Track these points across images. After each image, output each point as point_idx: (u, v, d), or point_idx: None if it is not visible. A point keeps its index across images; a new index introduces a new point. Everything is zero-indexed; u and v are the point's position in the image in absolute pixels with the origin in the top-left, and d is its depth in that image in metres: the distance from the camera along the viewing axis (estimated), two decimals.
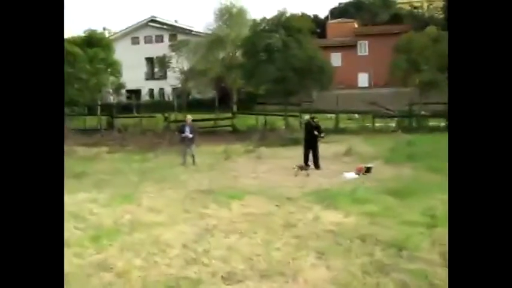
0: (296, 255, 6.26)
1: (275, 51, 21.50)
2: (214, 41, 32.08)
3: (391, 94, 29.16)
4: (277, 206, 8.99)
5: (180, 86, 30.98)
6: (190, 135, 14.21)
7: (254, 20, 22.98)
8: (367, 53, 44.45)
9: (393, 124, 23.71)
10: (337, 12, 57.03)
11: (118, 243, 6.88)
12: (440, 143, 17.03)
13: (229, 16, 34.14)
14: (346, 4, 59.24)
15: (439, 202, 8.70)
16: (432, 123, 23.17)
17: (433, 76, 20.32)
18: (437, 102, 22.91)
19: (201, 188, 10.81)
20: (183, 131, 14.32)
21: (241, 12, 33.33)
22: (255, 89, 26.57)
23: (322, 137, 13.61)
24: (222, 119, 26.40)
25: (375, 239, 6.82)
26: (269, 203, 9.15)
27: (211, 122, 25.57)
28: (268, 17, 22.48)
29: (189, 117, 14.69)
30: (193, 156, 14.34)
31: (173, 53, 29.59)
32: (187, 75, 28.60)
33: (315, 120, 13.62)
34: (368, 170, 12.05)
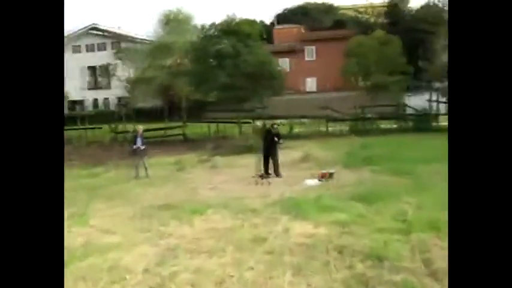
0: (272, 274, 5.76)
1: (225, 57, 21.00)
2: (160, 48, 31.13)
3: (339, 98, 29.35)
4: (241, 219, 8.46)
5: (126, 95, 29.78)
6: (143, 147, 13.41)
7: (203, 26, 22.42)
8: (314, 58, 44.83)
9: (346, 128, 23.82)
10: (282, 18, 57.41)
11: (70, 270, 6.11)
12: (394, 145, 17.24)
13: (175, 22, 33.35)
14: (291, 10, 59.77)
15: (408, 206, 8.53)
16: (383, 125, 23.52)
17: (382, 79, 20.55)
18: (387, 105, 23.33)
19: (157, 202, 10.10)
20: (134, 143, 13.49)
21: (187, 19, 32.61)
22: (205, 96, 25.91)
23: (281, 144, 13.22)
24: (173, 128, 25.55)
25: (351, 250, 6.45)
26: (233, 216, 8.61)
27: (161, 132, 24.65)
28: (217, 22, 21.90)
29: (140, 127, 13.90)
30: (146, 169, 13.54)
31: (117, 61, 28.38)
32: (133, 84, 27.46)
33: (275, 127, 13.19)
34: (330, 175, 11.77)
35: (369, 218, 7.94)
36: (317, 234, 7.23)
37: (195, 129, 26.68)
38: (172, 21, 34.08)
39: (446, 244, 6.51)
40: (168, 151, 19.84)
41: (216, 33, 21.65)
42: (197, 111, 33.36)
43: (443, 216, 7.62)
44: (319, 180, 11.55)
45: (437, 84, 36.23)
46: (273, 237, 7.21)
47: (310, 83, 44.58)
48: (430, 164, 12.96)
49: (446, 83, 25.12)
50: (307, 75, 43.93)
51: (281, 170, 13.21)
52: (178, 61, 32.40)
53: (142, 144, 13.39)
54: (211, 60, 22.23)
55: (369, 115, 24.16)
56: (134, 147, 13.41)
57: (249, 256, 6.44)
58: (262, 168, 12.79)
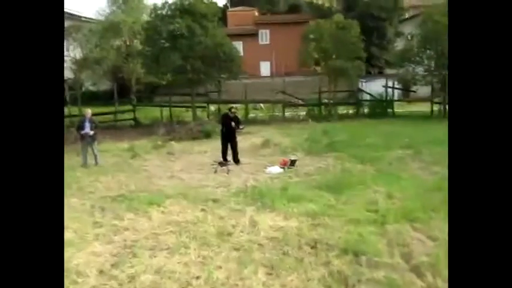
0: (243, 274, 5.23)
1: (179, 37, 19.97)
2: (109, 28, 29.52)
3: (294, 83, 29.03)
4: (203, 210, 7.85)
5: (72, 77, 28.00)
6: (91, 132, 12.39)
7: (155, 5, 21.16)
8: (268, 42, 44.34)
9: (302, 113, 23.51)
10: (236, 1, 56.38)
11: None
12: (353, 131, 17.06)
13: (125, 1, 31.76)
14: None
15: (378, 195, 8.22)
16: (340, 111, 23.38)
17: (341, 63, 20.28)
18: (346, 90, 23.19)
19: (110, 193, 9.28)
20: (82, 128, 12.43)
21: None
22: (157, 79, 24.75)
23: (241, 129, 12.61)
24: (122, 112, 24.29)
25: (325, 245, 6.03)
26: (194, 208, 7.98)
27: (111, 116, 23.38)
28: (170, 1, 20.70)
29: (89, 111, 12.81)
30: (95, 156, 12.55)
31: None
32: (80, 65, 25.81)
33: (232, 111, 12.51)
34: (293, 163, 11.33)
35: (340, 208, 7.55)
36: (287, 227, 6.75)
37: (147, 113, 25.56)
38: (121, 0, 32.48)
39: (423, 236, 6.24)
40: (119, 136, 18.75)
41: (169, 12, 20.49)
42: (149, 94, 32.10)
43: (415, 205, 7.38)
44: (281, 168, 11.08)
45: (388, 71, 36.81)
46: (240, 231, 6.66)
47: (264, 67, 44.11)
48: (391, 150, 12.82)
49: (399, 70, 25.31)
50: (261, 59, 43.41)
51: (240, 157, 12.67)
52: (128, 42, 30.92)
53: (91, 129, 12.35)
54: (163, 41, 21.10)
55: (325, 100, 23.94)
56: (82, 132, 12.35)
57: (215, 253, 5.87)
58: (221, 155, 12.16)
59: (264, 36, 44.91)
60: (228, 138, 12.27)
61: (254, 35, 44.37)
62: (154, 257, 5.83)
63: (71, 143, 16.48)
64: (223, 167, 11.28)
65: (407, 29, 35.80)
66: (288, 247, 5.97)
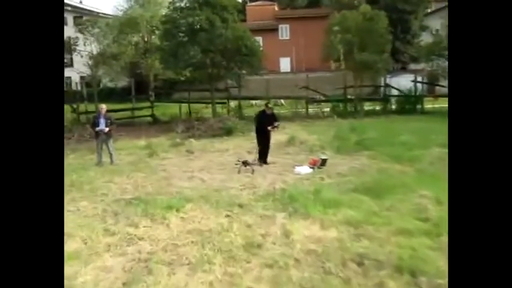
0: None
1: (199, 30, 19.15)
2: (126, 23, 28.92)
3: (316, 78, 27.99)
4: (228, 216, 6.97)
5: (89, 73, 27.49)
6: (106, 129, 11.61)
7: None
8: (288, 37, 43.33)
9: (326, 109, 22.47)
10: None
11: None
12: (383, 128, 16.00)
13: None
14: None
15: (425, 200, 7.21)
16: (366, 107, 22.26)
17: (369, 57, 19.16)
18: (374, 85, 22.09)
19: (124, 196, 8.48)
20: (97, 124, 11.67)
21: None
22: (175, 74, 24.01)
23: (277, 127, 11.59)
24: (140, 109, 23.59)
25: (374, 261, 5.08)
26: (217, 213, 7.11)
27: (128, 113, 22.71)
28: None
29: (103, 106, 12.04)
30: (110, 155, 11.79)
31: (79, 36, 26.06)
32: (97, 61, 25.22)
33: (269, 106, 11.58)
34: (323, 162, 10.38)
35: (384, 215, 6.59)
36: (326, 238, 5.82)
37: (165, 109, 24.84)
38: None
39: None
40: (136, 133, 18.02)
41: (188, 4, 19.67)
42: (167, 90, 31.45)
43: None
44: (311, 168, 10.14)
45: (412, 66, 35.46)
46: (271, 243, 5.77)
47: (284, 63, 43.09)
48: (429, 148, 11.76)
49: (428, 64, 24.09)
50: (281, 54, 42.37)
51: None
52: (146, 38, 30.29)
53: (107, 125, 11.57)
54: (182, 35, 20.29)
55: (350, 96, 22.80)
56: (96, 129, 11.59)
57: (244, 270, 5.00)
58: (257, 155, 11.18)
59: (284, 32, 43.91)
60: (264, 137, 11.28)
61: (274, 30, 43.37)
62: (173, 274, 4.98)
63: (85, 140, 15.85)
64: (248, 167, 10.39)
65: (433, 23, 34.42)
66: (329, 263, 5.05)
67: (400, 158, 10.65)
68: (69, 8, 40.61)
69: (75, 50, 25.24)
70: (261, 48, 21.31)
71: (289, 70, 42.06)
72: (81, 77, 33.96)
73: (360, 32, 19.70)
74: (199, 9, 18.99)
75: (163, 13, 23.66)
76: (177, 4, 20.13)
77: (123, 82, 34.63)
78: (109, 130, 11.67)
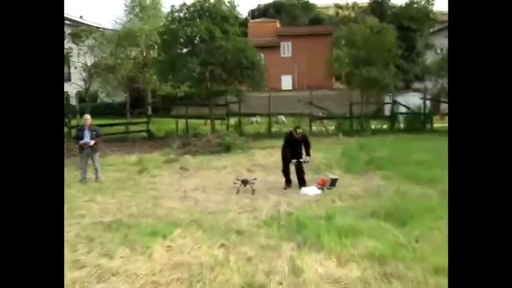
0: None
1: (198, 42, 18.21)
2: (124, 36, 27.97)
3: (319, 96, 27.00)
4: (224, 246, 5.78)
5: (84, 88, 26.44)
6: (92, 142, 10.47)
7: (172, 6, 19.36)
8: (290, 55, 42.54)
9: (331, 127, 21.35)
10: (256, 14, 55.05)
11: None
12: (395, 146, 14.85)
13: (142, 8, 30.40)
14: (266, 6, 57.40)
15: None
16: (373, 125, 21.10)
17: (377, 72, 18.12)
18: (380, 102, 21.07)
19: (105, 218, 7.30)
20: (81, 137, 10.53)
21: (154, 4, 29.71)
22: (173, 88, 23.00)
23: (307, 162, 10.00)
24: (136, 124, 22.48)
25: None
26: (211, 242, 5.92)
27: (123, 128, 21.62)
28: (189, 2, 18.92)
29: (87, 117, 10.90)
30: (96, 170, 10.63)
31: (73, 46, 25.16)
32: (92, 73, 24.17)
33: (298, 131, 9.82)
34: (333, 182, 9.23)
35: (414, 248, 5.39)
36: (346, 278, 4.62)
37: (161, 125, 23.75)
38: (138, 8, 31.19)
39: None
40: (129, 149, 16.88)
41: (187, 15, 18.74)
42: (165, 105, 30.45)
43: None
44: (320, 189, 8.98)
45: (416, 85, 34.53)
46: (277, 283, 4.57)
47: (286, 81, 42.17)
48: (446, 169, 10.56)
49: (435, 82, 23.12)
50: (283, 72, 41.47)
51: (264, 174, 10.66)
52: (144, 53, 29.40)
53: (92, 138, 10.43)
54: (180, 46, 19.34)
55: (356, 114, 21.67)
56: (80, 142, 10.44)
57: None
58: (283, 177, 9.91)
59: (286, 49, 43.13)
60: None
61: (276, 47, 42.57)
62: None
63: (73, 155, 14.69)
64: (247, 186, 9.22)
65: (437, 41, 33.64)
66: None
67: (418, 178, 9.48)
68: (68, 22, 39.84)
69: (67, 60, 24.27)
70: (263, 62, 20.17)
71: (290, 88, 41.15)
72: (77, 92, 32.97)
73: (367, 46, 18.72)
74: (199, 19, 18.04)
75: (162, 24, 22.75)
76: (176, 14, 19.17)
77: (120, 97, 33.63)
78: (95, 143, 10.53)
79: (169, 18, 19.67)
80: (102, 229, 6.59)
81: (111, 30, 32.58)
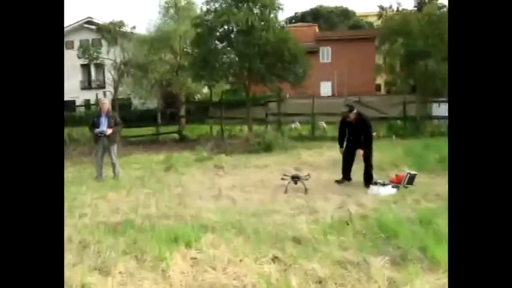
0: None
1: (236, 32, 16.45)
2: (158, 38, 26.69)
3: (364, 102, 24.76)
4: (277, 260, 3.81)
5: (113, 87, 25.16)
6: (109, 131, 8.70)
7: None
8: (329, 60, 40.45)
9: (381, 130, 18.98)
10: (293, 22, 53.40)
11: None
12: None
13: (176, 10, 29.08)
14: (303, 13, 55.76)
15: None
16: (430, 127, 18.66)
17: (435, 66, 15.79)
18: (438, 100, 18.68)
19: (112, 218, 5.44)
20: (96, 125, 8.77)
21: (189, 5, 28.29)
22: (208, 88, 21.35)
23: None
24: (166, 133, 20.82)
25: None
26: (258, 254, 3.95)
27: (153, 129, 20.08)
28: None
29: (105, 101, 9.19)
30: (113, 165, 8.85)
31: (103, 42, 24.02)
32: (123, 71, 22.81)
33: (351, 112, 7.74)
34: (411, 179, 7.13)
35: None
36: None
37: (195, 130, 22.03)
38: (173, 10, 29.94)
39: None
40: (156, 149, 15.14)
41: (224, 5, 17.03)
42: (199, 112, 29.01)
43: None
44: (394, 187, 6.88)
45: None
46: None
47: (325, 87, 40.00)
48: None
49: None
50: (322, 78, 39.33)
51: (317, 173, 8.64)
52: (179, 57, 28.06)
53: (109, 126, 8.67)
54: (216, 41, 17.62)
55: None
56: (96, 131, 8.69)
57: None
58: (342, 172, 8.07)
59: (326, 54, 41.03)
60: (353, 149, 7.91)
61: (314, 52, 40.48)
62: None
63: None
64: (298, 184, 7.24)
65: None
66: None
67: None
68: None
69: (97, 58, 23.07)
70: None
71: (330, 94, 39.00)
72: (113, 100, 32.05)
73: (425, 37, 16.42)
74: (236, 7, 16.27)
75: (196, 15, 21.04)
76: (212, 4, 17.47)
77: (154, 103, 32.44)
78: (112, 133, 8.76)
79: (204, 10, 18.01)
80: (105, 232, 4.72)
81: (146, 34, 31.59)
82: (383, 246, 4.04)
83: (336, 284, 3.29)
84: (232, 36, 17.24)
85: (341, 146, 8.23)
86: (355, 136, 7.83)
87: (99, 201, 6.52)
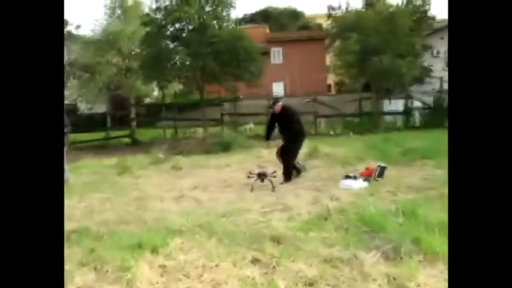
0: None
1: (188, 30, 15.89)
2: (105, 40, 25.60)
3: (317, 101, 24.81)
4: (257, 261, 3.40)
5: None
6: None
7: None
8: (281, 61, 40.45)
9: (337, 128, 18.95)
10: (242, 24, 53.14)
11: None
12: (421, 140, 12.53)
13: (122, 10, 28.07)
14: (252, 15, 55.63)
15: None
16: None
17: (390, 61, 15.87)
18: (391, 97, 18.89)
19: (65, 226, 4.82)
20: None
21: (137, 4, 27.37)
22: (160, 88, 20.61)
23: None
24: (117, 138, 19.90)
25: None
26: (235, 256, 3.52)
27: (103, 134, 19.13)
28: None
29: None
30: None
31: None
32: (68, 72, 21.64)
33: (275, 104, 7.91)
34: (381, 172, 6.91)
35: None
36: None
37: (147, 134, 21.20)
38: (119, 9, 28.89)
39: None
40: (108, 153, 14.31)
41: (174, 2, 16.42)
42: (150, 117, 28.12)
43: None
44: (365, 180, 6.63)
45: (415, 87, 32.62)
46: None
47: (277, 88, 39.92)
48: None
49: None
50: (274, 79, 39.23)
51: (280, 171, 8.29)
52: (127, 59, 27.06)
53: None
54: (167, 40, 16.98)
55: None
56: None
57: None
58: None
59: (277, 55, 40.99)
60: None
61: (265, 53, 40.37)
62: None
63: None
64: (265, 181, 6.86)
65: (434, 43, 31.88)
66: None
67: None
68: None
69: None
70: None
71: (282, 94, 38.98)
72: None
73: (378, 33, 16.52)
74: (187, 4, 15.70)
75: (145, 13, 20.17)
76: (162, 1, 16.80)
77: (101, 108, 31.15)
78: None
79: (154, 7, 17.31)
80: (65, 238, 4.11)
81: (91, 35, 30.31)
82: (370, 240, 3.70)
83: (328, 285, 2.91)
84: (184, 35, 16.68)
85: (267, 139, 8.22)
86: (283, 127, 7.79)
87: None
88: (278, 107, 7.79)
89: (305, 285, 2.92)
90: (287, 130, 7.72)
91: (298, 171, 7.78)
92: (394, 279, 2.89)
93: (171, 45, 17.14)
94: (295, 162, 7.80)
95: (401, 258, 3.27)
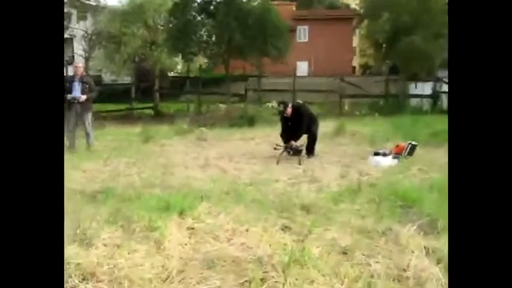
0: None
1: (217, 3, 15.70)
2: (131, 10, 25.50)
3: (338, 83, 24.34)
4: (287, 228, 3.30)
5: (84, 58, 23.98)
6: (83, 97, 7.95)
7: None
8: (306, 40, 39.82)
9: (363, 108, 18.63)
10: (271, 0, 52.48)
11: None
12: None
13: None
14: None
15: None
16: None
17: (421, 43, 15.40)
18: (420, 79, 18.38)
19: (89, 186, 4.82)
20: (69, 90, 7.98)
21: None
22: (185, 60, 20.50)
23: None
24: (141, 109, 19.98)
25: None
26: (265, 223, 3.43)
27: (127, 105, 19.22)
28: None
29: (79, 64, 8.43)
30: (87, 135, 8.14)
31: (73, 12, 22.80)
32: (94, 42, 21.72)
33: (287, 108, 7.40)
34: (412, 150, 6.73)
35: None
36: None
37: (170, 107, 21.23)
38: None
39: None
40: (132, 123, 14.38)
41: None
42: (174, 89, 28.10)
43: None
44: (395, 158, 6.47)
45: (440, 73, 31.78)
46: None
47: (301, 67, 39.41)
48: None
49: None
50: (298, 58, 38.69)
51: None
52: (152, 34, 26.95)
53: (83, 92, 7.92)
54: (194, 13, 16.80)
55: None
56: (69, 97, 7.91)
57: None
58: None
59: (303, 33, 40.36)
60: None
61: (292, 31, 39.79)
62: None
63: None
64: (292, 155, 6.74)
65: None
66: None
67: None
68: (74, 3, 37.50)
69: (67, 28, 21.83)
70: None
71: (306, 74, 38.48)
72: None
73: (411, 12, 16.00)
74: None
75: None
76: None
77: (126, 80, 31.29)
78: (87, 99, 8.02)
79: None
80: (82, 201, 4.09)
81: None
82: (404, 214, 3.58)
83: (363, 254, 2.80)
84: (212, 7, 16.48)
85: (285, 142, 7.21)
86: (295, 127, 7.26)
87: (73, 171, 5.84)
88: (289, 110, 7.35)
89: (339, 253, 2.82)
90: (305, 133, 7.28)
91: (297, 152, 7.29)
92: (433, 251, 2.77)
93: (198, 18, 16.96)
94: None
95: (438, 233, 3.14)
